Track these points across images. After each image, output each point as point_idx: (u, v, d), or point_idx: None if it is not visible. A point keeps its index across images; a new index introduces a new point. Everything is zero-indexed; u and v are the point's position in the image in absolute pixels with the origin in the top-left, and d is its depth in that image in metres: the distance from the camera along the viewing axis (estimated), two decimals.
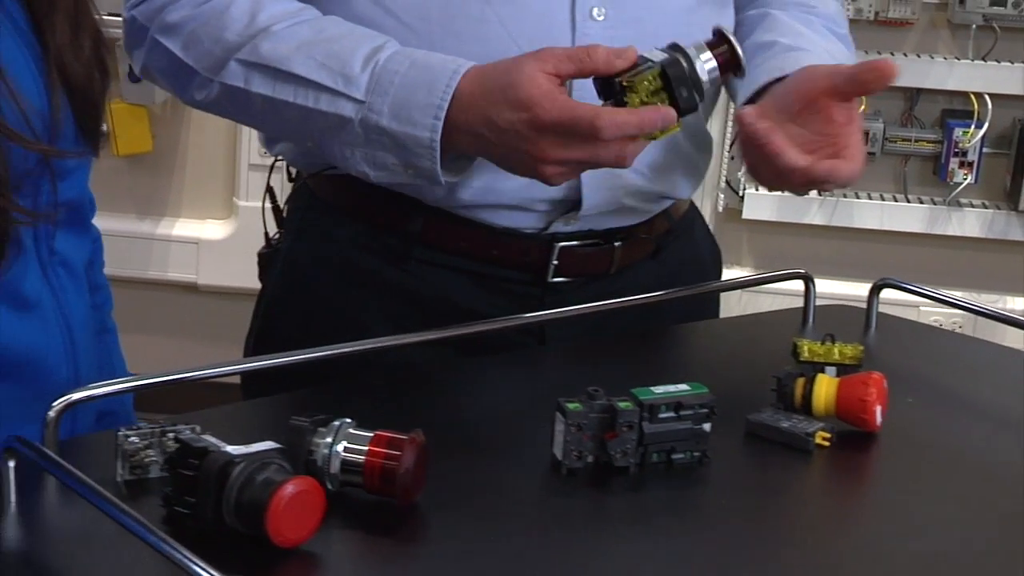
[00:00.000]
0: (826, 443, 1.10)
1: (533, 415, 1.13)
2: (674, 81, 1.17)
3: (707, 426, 1.05)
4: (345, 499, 0.97)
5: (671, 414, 1.04)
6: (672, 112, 1.17)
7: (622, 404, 1.04)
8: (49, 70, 1.11)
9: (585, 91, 1.21)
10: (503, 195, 1.27)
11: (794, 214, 3.08)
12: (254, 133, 3.00)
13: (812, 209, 3.08)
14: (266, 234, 1.50)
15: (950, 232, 3.05)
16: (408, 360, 1.29)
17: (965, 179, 2.99)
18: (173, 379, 1.06)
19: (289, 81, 1.26)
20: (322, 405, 1.02)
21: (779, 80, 1.31)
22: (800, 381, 1.14)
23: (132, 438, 0.98)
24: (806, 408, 1.13)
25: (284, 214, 1.50)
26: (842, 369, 1.20)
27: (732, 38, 1.20)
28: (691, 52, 1.19)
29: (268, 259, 1.47)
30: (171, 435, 0.98)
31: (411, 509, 0.97)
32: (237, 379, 1.36)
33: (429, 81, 1.22)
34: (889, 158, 3.06)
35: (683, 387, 1.06)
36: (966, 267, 3.09)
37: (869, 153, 2.91)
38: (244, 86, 1.28)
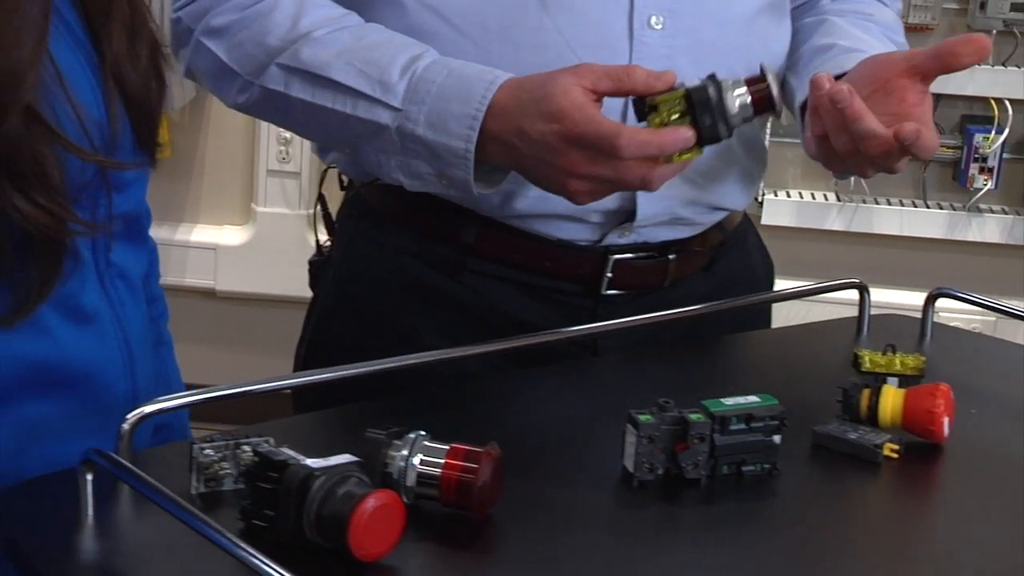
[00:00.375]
0: (894, 455, 1.10)
1: (596, 426, 1.13)
2: (697, 106, 1.17)
3: (777, 438, 1.05)
4: (420, 512, 0.96)
5: (742, 426, 1.04)
6: (689, 132, 1.16)
7: (693, 416, 1.03)
8: (106, 79, 1.09)
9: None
10: (558, 204, 1.27)
11: (813, 220, 3.07)
12: (273, 139, 3.01)
13: (831, 215, 3.07)
14: (317, 242, 1.50)
15: (970, 238, 3.04)
16: (461, 371, 1.29)
17: (985, 185, 2.98)
18: (242, 391, 1.06)
19: (328, 87, 1.26)
20: (385, 417, 1.01)
21: (838, 79, 1.30)
22: (866, 392, 1.14)
23: (207, 450, 0.97)
24: (872, 419, 1.13)
25: (335, 222, 1.49)
26: (904, 380, 1.20)
27: (771, 77, 1.19)
28: (726, 84, 1.18)
29: (319, 267, 1.47)
30: (246, 447, 0.97)
31: (486, 522, 0.97)
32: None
33: (466, 91, 1.21)
34: (909, 164, 3.03)
35: (753, 399, 1.06)
36: (986, 273, 3.07)
37: None
38: (284, 90, 1.28)
